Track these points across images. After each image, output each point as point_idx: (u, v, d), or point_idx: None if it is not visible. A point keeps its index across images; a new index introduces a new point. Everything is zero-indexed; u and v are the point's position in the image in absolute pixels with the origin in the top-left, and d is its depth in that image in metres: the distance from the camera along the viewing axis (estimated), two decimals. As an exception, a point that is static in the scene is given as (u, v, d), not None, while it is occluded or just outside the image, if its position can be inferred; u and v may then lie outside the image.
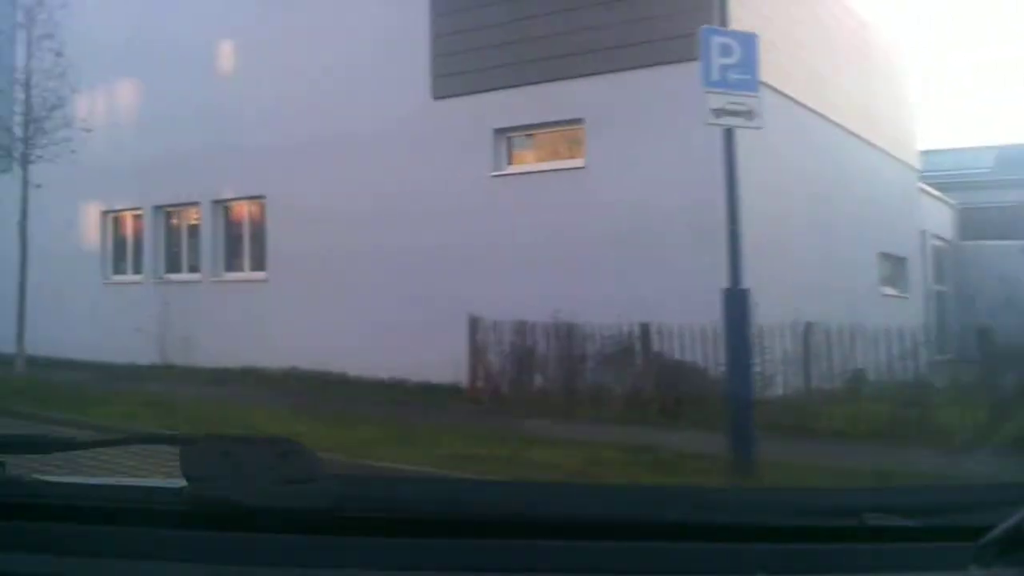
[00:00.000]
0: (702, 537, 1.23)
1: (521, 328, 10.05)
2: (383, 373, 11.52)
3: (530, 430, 7.73)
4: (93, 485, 1.60)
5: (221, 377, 12.54)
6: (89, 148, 12.52)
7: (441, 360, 10.56)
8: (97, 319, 15.09)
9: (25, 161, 12.19)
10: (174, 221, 15.16)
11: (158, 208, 15.04)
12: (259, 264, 13.67)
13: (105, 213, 15.83)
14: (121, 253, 15.88)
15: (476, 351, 10.27)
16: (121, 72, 15.10)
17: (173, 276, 14.85)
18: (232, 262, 14.20)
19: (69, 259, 15.38)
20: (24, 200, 12.19)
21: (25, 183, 12.19)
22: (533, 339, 10.00)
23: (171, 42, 14.44)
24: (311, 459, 1.29)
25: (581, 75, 10.69)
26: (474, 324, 10.36)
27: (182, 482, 1.28)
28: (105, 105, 14.97)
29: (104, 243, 15.86)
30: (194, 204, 14.45)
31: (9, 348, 15.37)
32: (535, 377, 9.95)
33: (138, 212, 15.41)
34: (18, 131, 12.33)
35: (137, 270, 15.47)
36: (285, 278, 13.09)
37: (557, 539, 1.23)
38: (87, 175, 14.41)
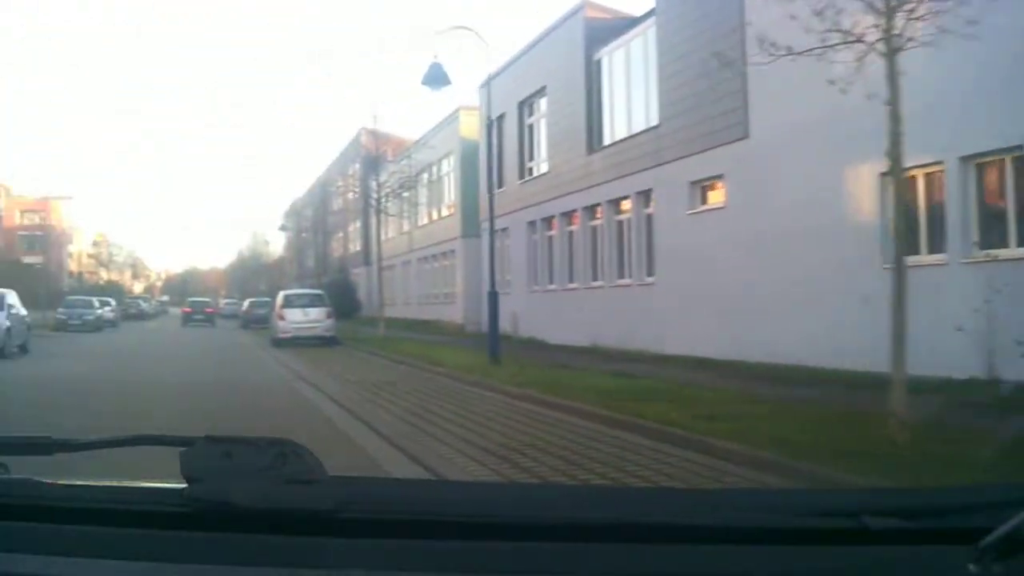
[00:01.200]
0: (699, 538, 1.19)
1: None
2: None
3: None
4: (94, 486, 1.44)
5: None
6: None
7: None
8: (870, 315, 11.51)
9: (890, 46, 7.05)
10: (996, 175, 10.91)
11: (966, 159, 11.15)
12: None
13: (884, 175, 12.10)
14: (910, 226, 12.02)
15: None
16: None
17: (1000, 252, 10.85)
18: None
19: (819, 238, 12.93)
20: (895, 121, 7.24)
21: (892, 76, 7.24)
22: None
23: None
24: (312, 460, 1.24)
25: None
26: None
27: (183, 483, 1.24)
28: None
29: (883, 214, 12.21)
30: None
31: (708, 352, 12.67)
32: None
33: (934, 168, 11.34)
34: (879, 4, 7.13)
35: (936, 248, 11.69)
36: None
37: (559, 541, 1.20)
38: (849, 124, 10.95)
